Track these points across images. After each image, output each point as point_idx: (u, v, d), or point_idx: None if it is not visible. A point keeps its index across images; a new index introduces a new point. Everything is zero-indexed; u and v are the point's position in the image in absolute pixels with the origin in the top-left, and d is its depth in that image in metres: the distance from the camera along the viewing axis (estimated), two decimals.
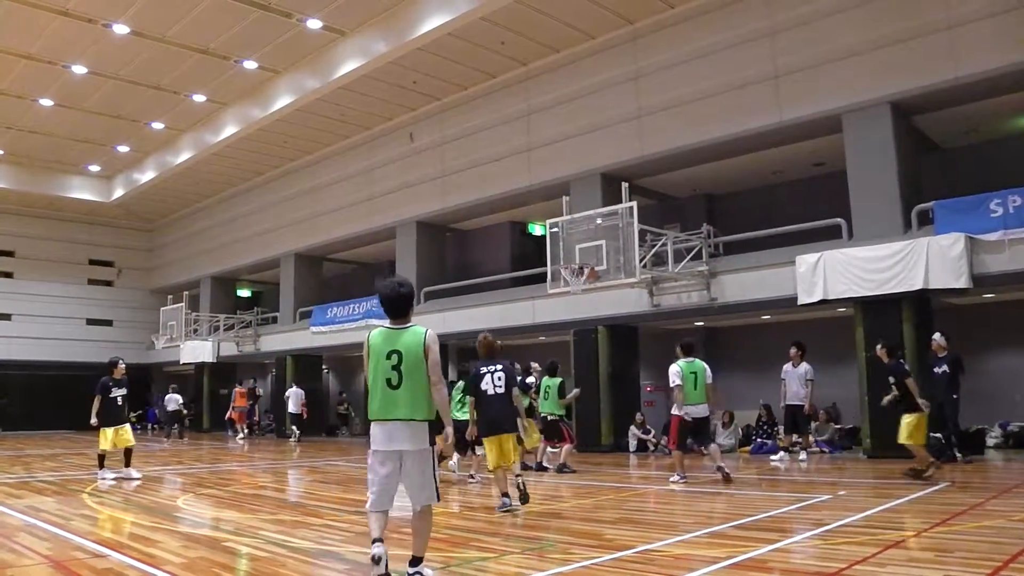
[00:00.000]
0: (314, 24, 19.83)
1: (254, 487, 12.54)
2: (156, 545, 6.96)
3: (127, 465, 13.28)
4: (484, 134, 22.01)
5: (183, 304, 29.13)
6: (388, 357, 5.41)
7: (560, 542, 6.97)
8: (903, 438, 11.15)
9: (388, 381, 5.37)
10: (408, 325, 5.54)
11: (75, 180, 32.70)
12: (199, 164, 28.22)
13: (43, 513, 8.98)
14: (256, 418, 29.84)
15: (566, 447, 13.88)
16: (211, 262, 33.42)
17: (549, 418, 13.96)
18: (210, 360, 31.03)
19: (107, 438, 13.06)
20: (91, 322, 35.99)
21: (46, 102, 24.77)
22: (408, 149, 24.24)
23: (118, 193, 32.87)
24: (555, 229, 16.71)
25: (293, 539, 7.29)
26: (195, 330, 30.31)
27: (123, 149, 29.44)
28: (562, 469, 13.48)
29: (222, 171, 29.15)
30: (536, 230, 24.38)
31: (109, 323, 36.65)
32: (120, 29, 20.04)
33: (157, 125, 26.88)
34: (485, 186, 22.00)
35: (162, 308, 30.57)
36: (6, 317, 34.08)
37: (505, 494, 8.96)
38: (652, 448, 18.21)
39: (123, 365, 13.63)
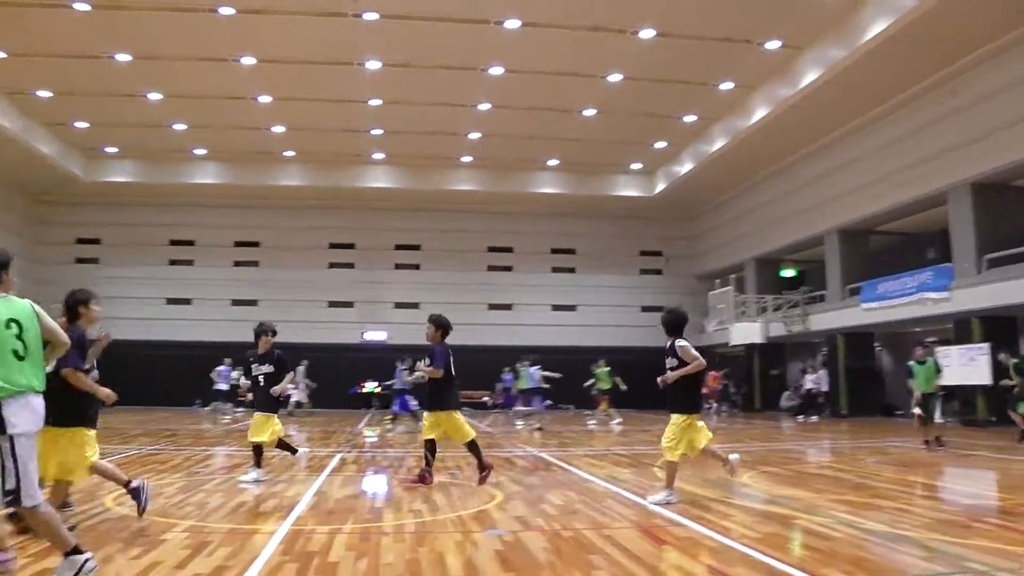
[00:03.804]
0: None
1: (815, 466, 12.42)
2: (729, 519, 7.21)
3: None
4: None
5: (730, 287, 29.86)
6: None
7: None
8: None
9: None
10: None
11: (620, 179, 35.77)
12: (732, 150, 28.77)
13: (622, 482, 9.90)
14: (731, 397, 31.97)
15: None
16: (753, 244, 33.79)
17: None
18: (759, 341, 31.37)
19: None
20: (644, 309, 38.63)
21: (588, 112, 27.38)
22: (950, 107, 22.01)
23: (660, 187, 35.07)
24: None
25: (864, 521, 7.04)
26: (743, 312, 30.82)
27: (660, 145, 31.29)
28: None
29: (755, 154, 29.33)
30: None
31: (661, 309, 38.85)
32: (646, 33, 21.41)
33: (689, 118, 28.10)
34: None
35: (710, 292, 31.68)
36: (572, 308, 38.22)
37: None
38: None
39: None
